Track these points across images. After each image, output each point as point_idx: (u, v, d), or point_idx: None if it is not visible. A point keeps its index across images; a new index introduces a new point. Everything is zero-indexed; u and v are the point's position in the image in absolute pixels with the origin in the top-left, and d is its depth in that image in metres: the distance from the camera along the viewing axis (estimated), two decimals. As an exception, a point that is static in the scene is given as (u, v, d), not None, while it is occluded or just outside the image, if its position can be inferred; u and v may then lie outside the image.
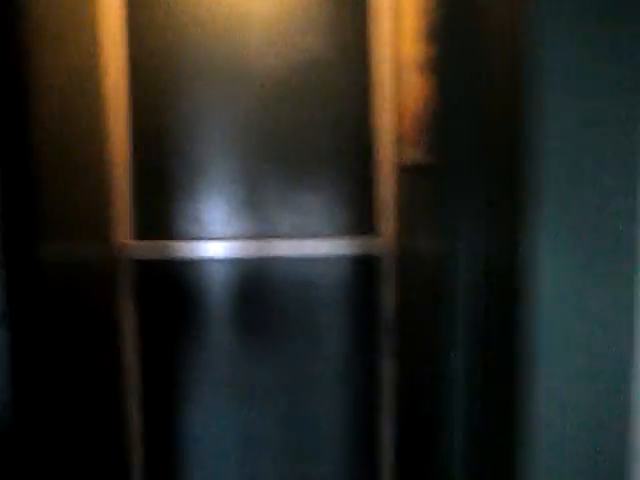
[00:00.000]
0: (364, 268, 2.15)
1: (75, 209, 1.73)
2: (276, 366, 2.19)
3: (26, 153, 1.23)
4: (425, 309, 1.48)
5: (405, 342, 2.02)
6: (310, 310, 2.19)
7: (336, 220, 2.17)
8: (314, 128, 2.14)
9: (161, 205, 2.15)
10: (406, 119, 1.91)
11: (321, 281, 2.17)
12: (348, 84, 2.11)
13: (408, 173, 1.90)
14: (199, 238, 2.15)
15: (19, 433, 1.09)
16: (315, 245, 2.14)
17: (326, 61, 2.12)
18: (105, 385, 1.99)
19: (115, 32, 2.03)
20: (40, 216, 1.36)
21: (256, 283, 2.18)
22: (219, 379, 2.21)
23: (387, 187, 2.11)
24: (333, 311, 2.19)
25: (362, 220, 2.16)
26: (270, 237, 2.17)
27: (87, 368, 1.77)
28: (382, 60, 2.07)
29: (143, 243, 2.13)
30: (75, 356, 1.68)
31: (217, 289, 2.20)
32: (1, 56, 1.08)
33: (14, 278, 1.07)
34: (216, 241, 2.16)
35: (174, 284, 2.17)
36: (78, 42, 1.89)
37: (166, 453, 2.20)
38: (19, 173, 1.18)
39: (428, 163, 1.47)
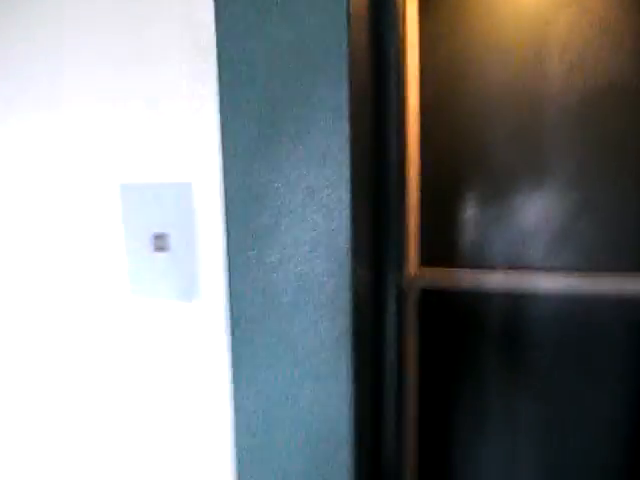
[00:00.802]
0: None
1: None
2: (566, 409, 2.16)
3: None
4: None
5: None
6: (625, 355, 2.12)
7: (626, 257, 2.10)
8: (613, 161, 2.06)
9: (445, 238, 2.17)
10: None
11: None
12: None
13: None
14: (482, 267, 2.15)
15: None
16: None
17: (633, 89, 2.04)
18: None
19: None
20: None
21: (554, 322, 2.15)
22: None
23: None
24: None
25: None
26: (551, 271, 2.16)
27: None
28: None
29: (431, 271, 2.12)
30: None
31: (522, 324, 2.19)
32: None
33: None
34: (498, 272, 2.14)
35: (460, 315, 2.17)
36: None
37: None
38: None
39: None
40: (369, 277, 0.94)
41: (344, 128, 0.77)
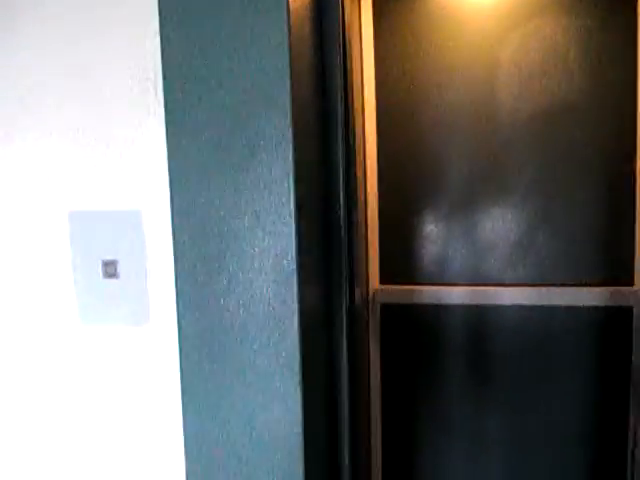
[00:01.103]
0: (615, 318, 2.18)
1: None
2: (524, 414, 2.22)
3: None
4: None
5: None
6: (563, 359, 2.20)
7: (583, 270, 2.20)
8: (566, 175, 2.16)
9: (403, 256, 2.24)
10: None
11: (572, 330, 2.19)
12: (605, 135, 2.13)
13: None
14: (441, 284, 2.23)
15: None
16: (568, 293, 2.16)
17: (582, 107, 2.13)
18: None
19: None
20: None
21: (495, 330, 2.23)
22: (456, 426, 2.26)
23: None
24: (583, 360, 2.20)
25: (612, 271, 2.19)
26: (509, 285, 2.22)
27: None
28: None
29: (390, 288, 2.23)
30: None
31: (465, 335, 2.25)
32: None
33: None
34: (457, 286, 2.22)
35: (417, 327, 2.25)
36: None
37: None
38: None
39: None
40: (318, 298, 0.96)
41: (287, 155, 0.79)
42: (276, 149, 0.79)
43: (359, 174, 2.06)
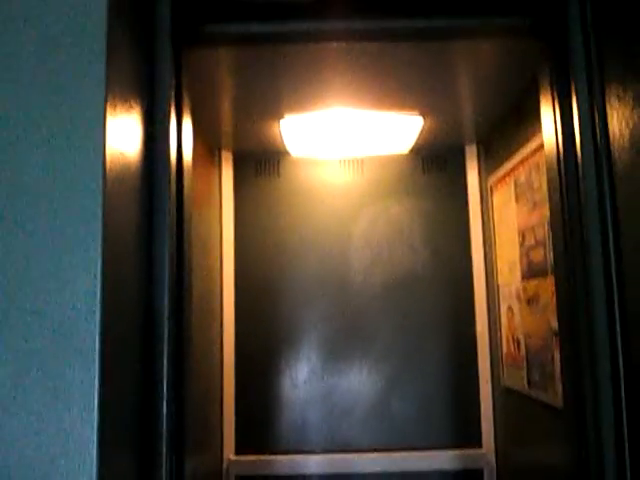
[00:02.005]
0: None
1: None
2: None
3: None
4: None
5: None
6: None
7: (435, 433, 2.25)
8: (416, 339, 2.29)
9: (262, 420, 2.23)
10: (510, 344, 2.06)
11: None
12: (448, 301, 2.31)
13: (512, 394, 2.03)
14: (298, 452, 2.21)
15: None
16: (416, 458, 2.19)
17: (426, 277, 2.32)
18: None
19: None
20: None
21: None
22: None
23: (488, 404, 2.25)
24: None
25: (462, 434, 2.25)
26: (365, 451, 2.21)
27: None
28: (482, 287, 2.30)
29: (245, 458, 2.16)
30: None
31: None
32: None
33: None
34: (314, 455, 2.20)
35: None
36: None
37: None
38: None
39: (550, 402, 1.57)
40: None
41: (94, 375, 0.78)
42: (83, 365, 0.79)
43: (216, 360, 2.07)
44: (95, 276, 0.79)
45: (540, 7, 1.12)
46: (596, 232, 1.04)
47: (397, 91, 1.81)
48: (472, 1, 1.14)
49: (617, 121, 0.97)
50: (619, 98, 0.97)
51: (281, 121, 1.99)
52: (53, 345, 0.79)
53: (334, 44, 1.33)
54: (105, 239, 0.80)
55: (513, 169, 1.95)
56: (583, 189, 1.05)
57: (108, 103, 0.84)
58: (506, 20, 1.14)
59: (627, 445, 1.01)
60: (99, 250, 0.80)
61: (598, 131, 1.02)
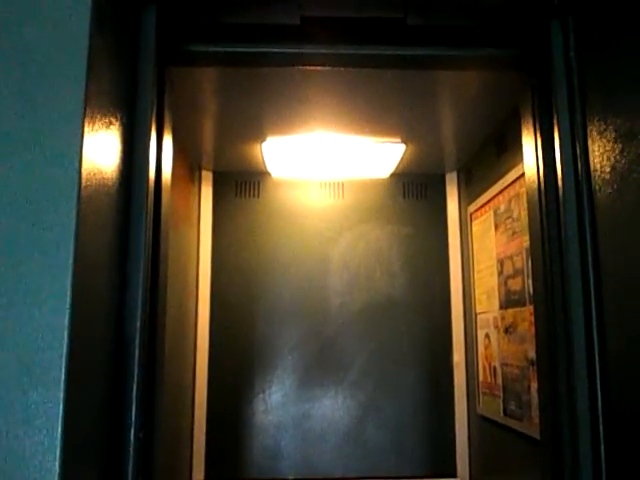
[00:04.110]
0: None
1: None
2: None
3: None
4: None
5: None
6: None
7: (409, 462, 2.20)
8: (392, 366, 2.27)
9: (234, 445, 2.16)
10: (486, 373, 2.04)
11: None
12: (426, 328, 2.29)
13: (488, 423, 2.01)
14: (270, 479, 2.15)
15: None
16: None
17: (404, 303, 2.30)
18: None
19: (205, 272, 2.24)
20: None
21: None
22: None
23: (464, 433, 2.23)
24: None
25: (436, 463, 2.21)
26: (338, 479, 2.15)
27: None
28: (459, 314, 2.28)
29: None
30: None
31: None
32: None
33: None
34: None
35: None
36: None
37: None
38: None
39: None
40: None
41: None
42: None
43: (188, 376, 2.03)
44: (64, 302, 0.76)
45: (524, 39, 1.14)
46: (576, 263, 1.04)
47: (379, 117, 1.82)
48: (456, 31, 1.15)
49: (598, 154, 0.98)
50: (600, 132, 0.98)
51: (263, 143, 1.98)
52: (16, 374, 0.75)
53: (318, 68, 1.32)
54: (77, 260, 0.77)
55: (493, 198, 1.97)
56: (564, 220, 1.06)
57: (86, 118, 0.82)
58: (490, 51, 1.16)
59: (604, 478, 1.01)
60: (69, 275, 0.77)
61: (580, 164, 1.03)
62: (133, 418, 0.98)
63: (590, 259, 1.02)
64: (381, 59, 1.20)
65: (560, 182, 1.07)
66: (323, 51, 1.21)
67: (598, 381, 1.02)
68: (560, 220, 1.07)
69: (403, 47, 1.16)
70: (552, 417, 1.12)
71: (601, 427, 1.00)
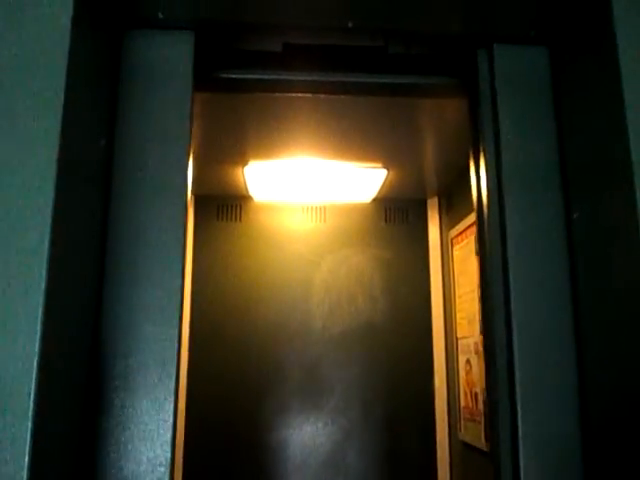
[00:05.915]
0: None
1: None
2: None
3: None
4: None
5: None
6: None
7: None
8: (373, 391, 2.25)
9: (213, 472, 2.12)
10: (468, 398, 2.03)
11: None
12: (407, 352, 2.28)
13: (470, 449, 2.00)
14: None
15: None
16: None
17: (385, 328, 2.29)
18: None
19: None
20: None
21: None
22: None
23: (445, 459, 2.20)
24: None
25: None
26: None
27: None
28: (440, 339, 2.28)
29: None
30: None
31: None
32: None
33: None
34: None
35: None
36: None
37: None
38: None
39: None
40: None
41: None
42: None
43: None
44: (34, 337, 0.74)
45: (460, 68, 1.16)
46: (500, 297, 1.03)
47: (361, 143, 1.83)
48: (405, 60, 1.17)
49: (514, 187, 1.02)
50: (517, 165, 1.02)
51: (245, 167, 1.98)
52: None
53: (299, 95, 1.33)
54: (49, 295, 0.76)
55: (473, 223, 1.98)
56: (487, 245, 1.08)
57: (62, 141, 0.81)
58: (438, 80, 1.18)
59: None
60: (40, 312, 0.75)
61: (498, 196, 1.06)
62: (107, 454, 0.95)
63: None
64: (345, 86, 1.21)
65: (485, 212, 1.10)
66: (305, 78, 1.22)
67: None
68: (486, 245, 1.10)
69: (362, 74, 1.18)
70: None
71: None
